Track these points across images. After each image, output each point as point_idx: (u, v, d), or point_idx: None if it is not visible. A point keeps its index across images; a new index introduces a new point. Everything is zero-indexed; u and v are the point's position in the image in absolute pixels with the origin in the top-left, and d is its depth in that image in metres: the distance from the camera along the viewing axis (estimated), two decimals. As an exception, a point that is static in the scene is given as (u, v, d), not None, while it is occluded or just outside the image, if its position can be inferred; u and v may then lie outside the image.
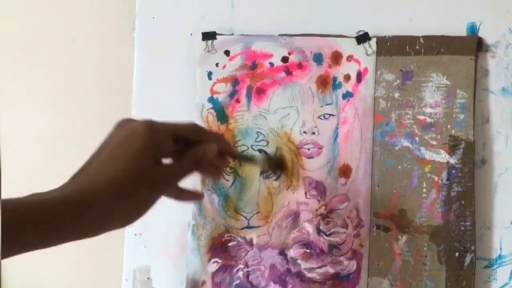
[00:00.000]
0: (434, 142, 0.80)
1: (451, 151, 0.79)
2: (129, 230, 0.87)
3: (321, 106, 0.82)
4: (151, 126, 0.57)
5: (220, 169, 0.68)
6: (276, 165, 0.81)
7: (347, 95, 0.82)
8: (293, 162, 0.82)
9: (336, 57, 0.82)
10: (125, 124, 0.59)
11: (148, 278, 0.81)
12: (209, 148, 0.62)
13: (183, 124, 0.63)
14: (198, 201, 0.82)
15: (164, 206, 0.86)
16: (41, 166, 1.01)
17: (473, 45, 0.79)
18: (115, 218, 0.55)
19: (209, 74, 0.85)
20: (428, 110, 0.80)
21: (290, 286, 0.81)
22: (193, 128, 0.64)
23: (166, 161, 0.61)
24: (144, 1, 0.89)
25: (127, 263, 0.88)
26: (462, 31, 0.81)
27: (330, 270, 0.81)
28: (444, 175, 0.79)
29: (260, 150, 0.83)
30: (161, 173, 0.58)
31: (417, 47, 0.81)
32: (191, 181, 0.84)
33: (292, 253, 0.82)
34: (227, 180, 0.83)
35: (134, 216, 0.57)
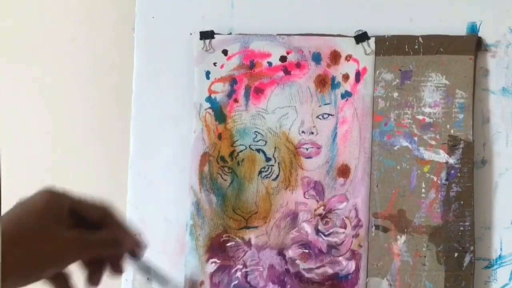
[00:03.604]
0: (433, 142, 0.79)
1: (450, 151, 0.79)
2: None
3: (320, 106, 0.82)
4: (52, 191, 0.52)
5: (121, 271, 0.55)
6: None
7: (346, 95, 0.82)
8: (291, 162, 0.82)
9: (335, 57, 0.82)
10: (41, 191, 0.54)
11: (148, 278, 0.81)
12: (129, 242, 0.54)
13: (92, 203, 0.55)
14: None
15: (163, 206, 0.87)
16: (41, 166, 1.01)
17: (472, 45, 0.79)
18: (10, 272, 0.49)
19: (207, 74, 0.85)
20: (427, 110, 0.80)
21: (288, 286, 0.81)
22: (103, 211, 0.55)
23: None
24: (144, 1, 0.89)
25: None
26: (462, 31, 0.80)
27: (329, 270, 0.80)
28: (443, 175, 0.79)
29: (258, 150, 0.83)
30: (65, 235, 0.51)
31: (416, 47, 0.80)
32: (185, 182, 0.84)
33: (290, 253, 0.81)
34: (225, 180, 0.83)
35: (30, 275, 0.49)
